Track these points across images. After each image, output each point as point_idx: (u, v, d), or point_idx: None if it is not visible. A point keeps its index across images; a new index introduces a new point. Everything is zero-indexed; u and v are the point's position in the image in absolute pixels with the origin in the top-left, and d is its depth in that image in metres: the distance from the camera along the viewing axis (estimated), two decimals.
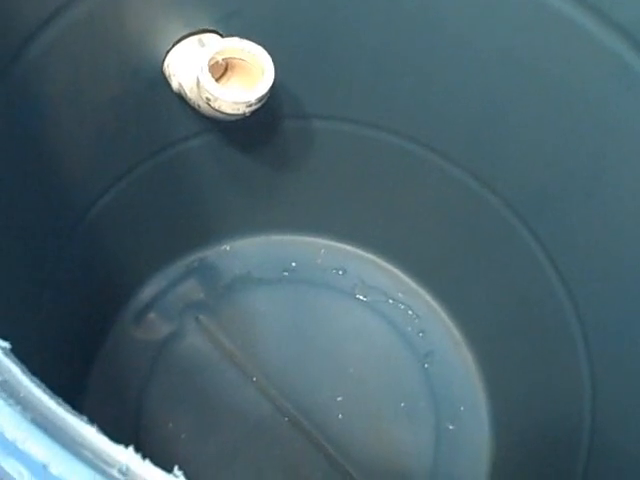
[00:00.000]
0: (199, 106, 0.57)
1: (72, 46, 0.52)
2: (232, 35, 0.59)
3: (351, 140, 0.73)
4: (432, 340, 0.83)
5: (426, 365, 0.81)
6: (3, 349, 0.23)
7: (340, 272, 0.85)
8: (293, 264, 0.85)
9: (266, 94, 0.54)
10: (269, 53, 0.58)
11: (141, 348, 0.78)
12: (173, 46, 0.58)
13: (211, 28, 0.59)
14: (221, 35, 0.59)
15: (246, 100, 0.53)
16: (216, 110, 0.55)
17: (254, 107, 0.54)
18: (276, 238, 0.85)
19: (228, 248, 0.84)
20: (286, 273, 0.84)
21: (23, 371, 0.23)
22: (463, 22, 0.58)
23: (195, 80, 0.55)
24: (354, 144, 0.74)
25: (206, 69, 0.53)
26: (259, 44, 0.59)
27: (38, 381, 0.23)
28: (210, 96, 0.53)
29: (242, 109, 0.54)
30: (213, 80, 0.53)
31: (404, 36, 0.62)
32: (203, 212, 0.79)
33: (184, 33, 0.58)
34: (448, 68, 0.62)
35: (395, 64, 0.64)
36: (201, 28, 0.58)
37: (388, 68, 0.65)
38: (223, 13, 0.58)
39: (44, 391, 0.22)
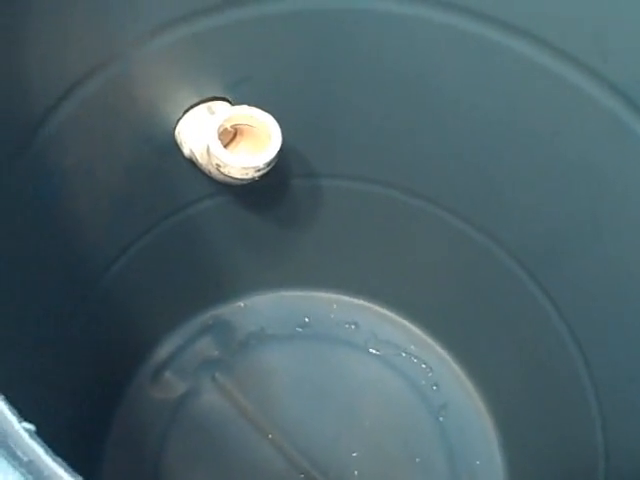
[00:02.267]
0: (210, 172, 0.59)
1: (86, 120, 0.54)
2: (241, 101, 0.61)
3: (358, 197, 0.75)
4: (446, 393, 0.83)
5: (441, 418, 0.82)
6: (29, 431, 0.24)
7: (353, 326, 0.86)
8: (306, 319, 0.86)
9: (274, 159, 0.56)
10: (276, 117, 0.60)
11: (158, 407, 0.79)
12: (184, 114, 0.60)
13: (220, 95, 0.61)
14: (230, 102, 0.62)
15: (254, 165, 0.55)
16: (226, 175, 0.56)
17: (262, 171, 0.56)
18: (289, 294, 0.86)
19: (242, 305, 0.86)
20: (299, 329, 0.85)
21: (47, 451, 0.24)
22: (461, 86, 0.60)
23: (205, 147, 0.57)
24: (361, 200, 0.75)
25: (215, 137, 0.55)
26: (266, 109, 0.61)
27: (61, 460, 0.24)
28: (220, 162, 0.55)
29: (251, 174, 0.56)
30: (222, 147, 0.55)
31: (404, 100, 0.63)
32: (217, 270, 0.81)
33: (194, 101, 0.60)
34: (448, 129, 0.64)
35: (397, 125, 0.66)
36: (210, 96, 0.60)
37: (391, 129, 0.67)
38: (231, 81, 0.60)
39: (66, 470, 0.24)
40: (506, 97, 0.59)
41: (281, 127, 0.58)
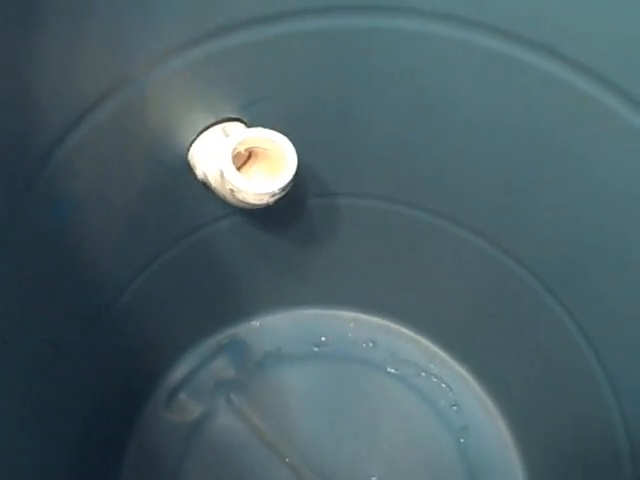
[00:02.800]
0: (224, 196, 0.57)
1: (98, 145, 0.53)
2: (255, 121, 0.60)
3: (375, 215, 0.73)
4: (466, 413, 0.81)
5: (462, 440, 0.80)
6: None
7: (370, 345, 0.85)
8: (323, 339, 0.84)
9: (289, 184, 0.54)
10: (291, 136, 0.58)
11: (173, 430, 0.78)
12: (197, 136, 0.59)
13: (235, 116, 0.59)
14: (245, 123, 0.60)
15: (269, 191, 0.54)
16: (240, 200, 0.55)
17: (277, 197, 0.55)
18: (305, 313, 0.85)
19: (258, 324, 0.84)
20: (316, 348, 0.84)
21: None
22: (477, 104, 0.58)
23: (219, 170, 0.55)
24: (378, 219, 0.74)
25: (229, 161, 0.54)
26: (281, 128, 0.59)
27: None
28: (234, 188, 0.54)
29: (266, 199, 0.55)
30: (236, 172, 0.54)
31: (421, 117, 0.62)
32: (232, 290, 0.79)
33: (208, 123, 0.59)
34: (465, 146, 0.62)
35: (413, 143, 0.64)
36: (225, 117, 0.59)
37: (407, 146, 0.65)
38: (246, 101, 0.59)
39: None
40: (524, 115, 0.57)
41: (296, 146, 0.57)
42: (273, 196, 0.55)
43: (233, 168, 0.54)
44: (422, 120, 0.62)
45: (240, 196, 0.55)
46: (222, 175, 0.55)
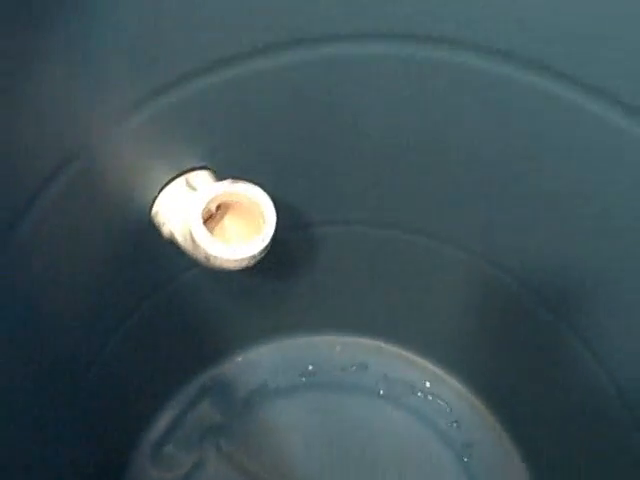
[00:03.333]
0: (196, 259, 0.51)
1: (56, 221, 0.47)
2: (222, 166, 0.54)
3: (354, 240, 0.69)
4: (468, 430, 0.78)
5: (465, 459, 0.76)
6: None
7: (360, 369, 0.80)
8: (310, 367, 0.80)
9: (270, 243, 0.49)
10: (262, 175, 0.53)
11: None
12: (160, 192, 0.53)
13: (198, 165, 0.53)
14: (210, 169, 0.54)
15: (250, 255, 0.48)
16: (216, 266, 0.49)
17: (258, 258, 0.49)
18: (289, 342, 0.80)
19: (241, 359, 0.79)
20: (304, 378, 0.79)
21: None
22: (453, 124, 0.53)
23: (188, 231, 0.50)
24: (360, 243, 0.69)
25: (201, 225, 0.48)
26: (250, 168, 0.54)
27: None
28: (209, 255, 0.48)
29: (245, 262, 0.49)
30: (210, 237, 0.48)
31: (401, 142, 0.57)
32: (210, 330, 0.74)
33: (170, 176, 0.53)
34: (452, 166, 0.58)
35: (393, 169, 0.59)
36: (188, 167, 0.53)
37: (386, 173, 0.60)
38: (210, 148, 0.53)
39: None
40: (523, 134, 0.52)
41: (269, 183, 0.51)
42: (253, 259, 0.49)
43: (206, 233, 0.48)
44: (397, 147, 0.57)
45: (217, 263, 0.49)
46: (193, 240, 0.49)
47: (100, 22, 0.40)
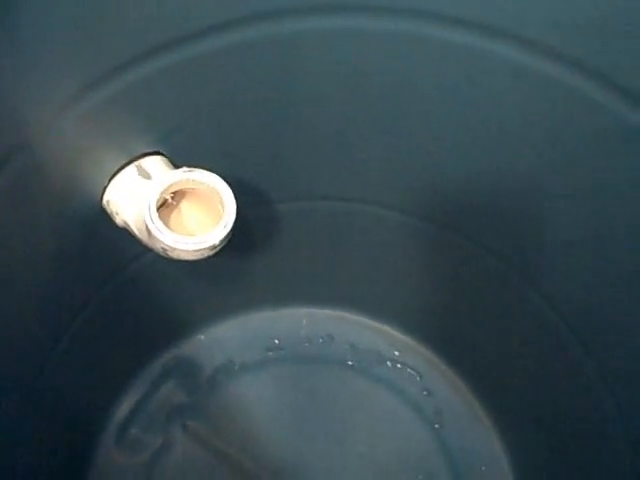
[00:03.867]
0: (152, 249, 0.49)
1: (2, 211, 0.44)
2: (175, 150, 0.51)
3: (318, 215, 0.67)
4: (438, 397, 0.77)
5: (437, 425, 0.76)
6: None
7: (328, 340, 0.78)
8: (276, 341, 0.78)
9: (230, 232, 0.46)
10: (218, 156, 0.50)
11: (129, 471, 0.71)
12: (110, 180, 0.50)
13: (151, 150, 0.50)
14: (162, 154, 0.51)
15: (210, 245, 0.46)
16: (174, 258, 0.47)
17: (218, 248, 0.46)
18: (253, 317, 0.78)
19: (203, 337, 0.77)
20: (270, 353, 0.77)
21: None
22: (431, 96, 0.51)
23: (142, 221, 0.47)
24: (321, 218, 0.67)
25: (156, 217, 0.45)
26: (206, 149, 0.51)
27: None
28: (166, 247, 0.46)
29: (206, 253, 0.46)
30: (167, 229, 0.45)
31: (368, 111, 0.54)
32: (171, 309, 0.72)
33: (120, 163, 0.50)
34: (428, 139, 0.55)
35: (349, 139, 0.57)
36: (140, 153, 0.50)
37: (342, 144, 0.58)
38: (162, 132, 0.50)
39: None
40: (496, 106, 0.50)
41: (225, 162, 0.50)
42: (214, 249, 0.46)
43: (162, 225, 0.45)
44: (363, 118, 0.55)
45: (175, 254, 0.46)
46: (149, 231, 0.46)
47: (36, 6, 0.37)
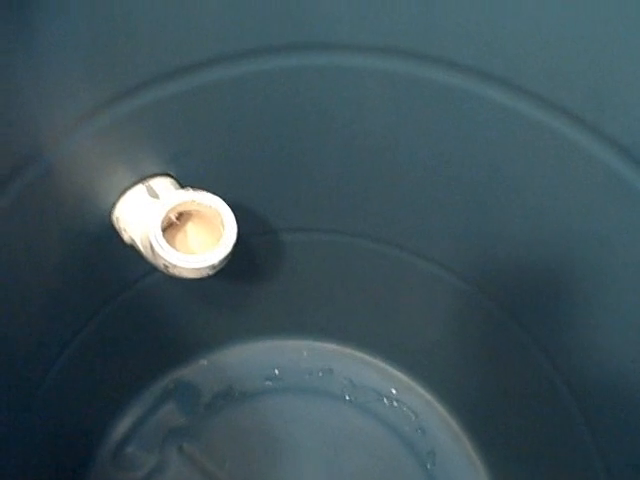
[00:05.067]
0: (156, 267, 0.51)
1: (7, 230, 0.46)
2: (183, 173, 0.54)
3: (323, 247, 0.68)
4: (432, 437, 0.78)
5: (429, 465, 0.76)
6: None
7: (327, 374, 0.80)
8: (276, 371, 0.79)
9: (230, 253, 0.48)
10: (224, 182, 0.52)
11: None
12: (119, 197, 0.52)
13: (160, 171, 0.53)
14: (171, 176, 0.53)
15: (209, 264, 0.48)
16: (175, 275, 0.49)
17: (218, 268, 0.48)
18: (255, 346, 0.80)
19: (206, 363, 0.79)
20: (269, 382, 0.79)
21: None
22: (423, 139, 0.53)
23: (148, 241, 0.49)
24: (326, 251, 0.69)
25: (160, 234, 0.48)
26: (213, 175, 0.54)
27: None
28: (167, 264, 0.48)
29: (206, 272, 0.48)
30: (170, 247, 0.47)
31: (365, 153, 0.56)
32: (174, 333, 0.73)
33: (131, 182, 0.52)
34: (410, 181, 0.58)
35: (357, 179, 0.59)
36: (149, 173, 0.52)
37: (350, 183, 0.60)
38: (171, 155, 0.52)
39: None
40: (492, 153, 0.52)
41: (231, 189, 0.52)
42: (213, 268, 0.48)
43: (165, 242, 0.47)
44: (367, 156, 0.57)
45: (176, 271, 0.48)
46: (153, 250, 0.48)
47: (55, 25, 0.39)
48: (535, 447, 0.71)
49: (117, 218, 0.53)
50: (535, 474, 0.72)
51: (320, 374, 0.79)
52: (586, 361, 0.61)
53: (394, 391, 0.79)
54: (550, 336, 0.63)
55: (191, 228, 0.53)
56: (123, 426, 0.74)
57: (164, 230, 0.48)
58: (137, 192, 0.52)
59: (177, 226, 0.53)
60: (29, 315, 0.53)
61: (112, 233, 0.54)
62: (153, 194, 0.52)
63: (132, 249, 0.54)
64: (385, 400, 0.78)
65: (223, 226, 0.49)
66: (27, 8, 0.37)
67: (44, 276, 0.53)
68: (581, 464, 0.65)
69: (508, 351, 0.68)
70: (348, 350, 0.80)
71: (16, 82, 0.39)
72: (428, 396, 0.78)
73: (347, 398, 0.78)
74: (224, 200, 0.49)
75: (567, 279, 0.57)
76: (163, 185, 0.53)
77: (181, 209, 0.49)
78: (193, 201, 0.49)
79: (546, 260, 0.57)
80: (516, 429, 0.72)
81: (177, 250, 0.48)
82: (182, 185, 0.53)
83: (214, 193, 0.49)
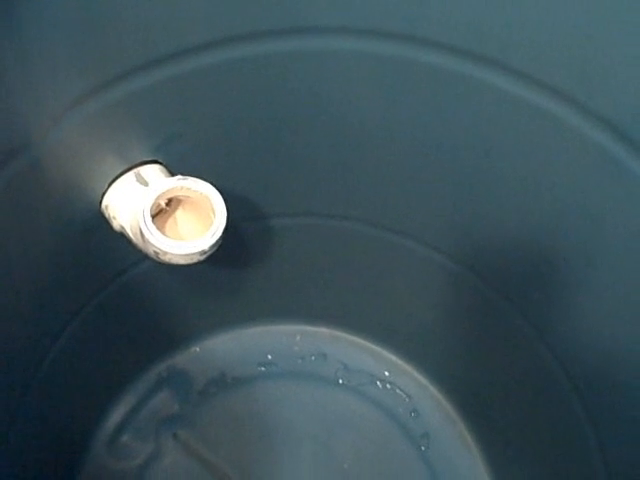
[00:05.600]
0: (146, 254, 0.51)
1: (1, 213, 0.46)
2: (172, 160, 0.53)
3: (314, 232, 0.68)
4: (426, 420, 0.78)
5: (423, 448, 0.76)
6: None
7: (319, 358, 0.80)
8: (269, 357, 0.79)
9: (220, 239, 0.48)
10: (213, 168, 0.52)
11: (119, 477, 0.72)
12: (109, 186, 0.52)
13: (149, 159, 0.52)
14: (160, 163, 0.53)
15: (199, 250, 0.47)
16: (166, 262, 0.48)
17: (209, 253, 0.48)
18: (248, 332, 0.80)
19: (198, 350, 0.79)
20: (262, 368, 0.79)
21: None
22: (416, 120, 0.53)
23: (138, 228, 0.49)
24: (317, 235, 0.69)
25: (150, 221, 0.47)
26: (201, 160, 0.53)
27: None
28: (158, 250, 0.47)
29: (196, 258, 0.48)
30: (159, 233, 0.47)
31: (354, 134, 0.56)
32: (166, 320, 0.73)
33: (120, 170, 0.52)
34: (401, 162, 0.57)
35: (345, 161, 0.59)
36: (138, 161, 0.52)
37: (339, 164, 0.60)
38: (160, 141, 0.52)
39: None
40: (481, 132, 0.52)
41: (219, 174, 0.51)
42: (204, 254, 0.48)
43: (155, 229, 0.47)
44: (358, 140, 0.56)
45: (166, 258, 0.48)
46: (143, 237, 0.48)
47: (42, 11, 0.39)
48: (530, 429, 0.71)
49: (106, 206, 0.53)
50: (531, 456, 0.72)
51: (313, 358, 0.80)
52: (579, 341, 0.61)
53: (387, 374, 0.79)
54: (543, 317, 0.63)
55: (181, 214, 0.53)
56: (117, 415, 0.74)
57: (154, 217, 0.48)
58: (126, 180, 0.52)
59: (167, 212, 0.53)
60: (21, 305, 0.53)
61: (102, 221, 0.53)
62: (142, 181, 0.52)
63: (122, 237, 0.54)
64: (379, 383, 0.79)
65: (213, 212, 0.49)
66: None
67: (35, 266, 0.52)
68: (578, 443, 0.65)
69: (501, 332, 0.68)
70: (341, 334, 0.80)
71: (2, 71, 0.39)
72: (421, 378, 0.79)
73: (340, 382, 0.79)
74: (214, 186, 0.49)
75: (559, 259, 0.57)
76: (152, 172, 0.53)
77: (170, 195, 0.49)
78: (182, 187, 0.49)
79: (538, 240, 0.57)
80: (510, 410, 0.73)
81: (167, 236, 0.47)
82: (171, 172, 0.53)
83: (204, 179, 0.49)
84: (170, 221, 0.52)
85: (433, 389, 0.78)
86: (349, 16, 0.47)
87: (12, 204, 0.46)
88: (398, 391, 0.78)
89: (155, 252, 0.48)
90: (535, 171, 0.52)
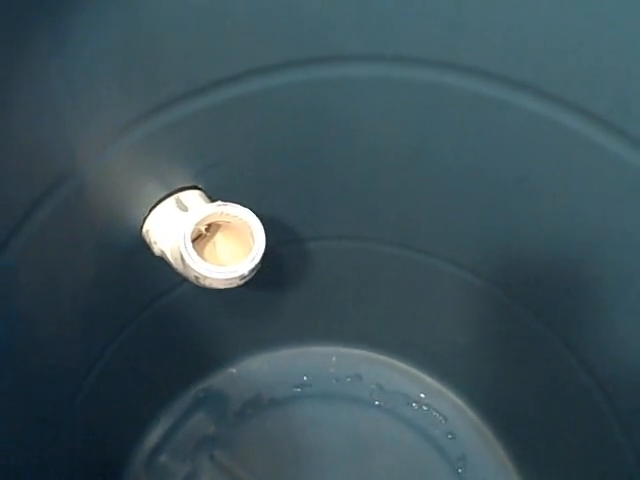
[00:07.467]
0: (186, 278, 0.51)
1: (43, 248, 0.47)
2: (212, 186, 0.54)
3: (350, 254, 0.69)
4: (463, 442, 0.78)
5: (460, 470, 0.76)
6: None
7: (355, 380, 0.80)
8: (305, 378, 0.80)
9: (259, 263, 0.49)
10: (252, 194, 0.53)
11: None
12: (150, 211, 0.53)
13: (189, 185, 0.53)
14: (200, 189, 0.54)
15: (239, 275, 0.48)
16: (206, 286, 0.49)
17: (248, 278, 0.49)
18: (283, 353, 0.80)
19: (234, 371, 0.79)
20: (298, 389, 0.79)
21: None
22: (450, 147, 0.53)
23: (178, 252, 0.50)
24: (353, 257, 0.69)
25: (190, 246, 0.48)
26: (240, 187, 0.54)
27: None
28: (198, 275, 0.48)
29: (235, 282, 0.49)
30: (199, 258, 0.48)
31: (391, 163, 0.57)
32: (203, 342, 0.74)
33: (160, 196, 0.53)
34: (437, 188, 0.58)
35: (382, 187, 0.59)
36: (178, 187, 0.53)
37: (376, 190, 0.60)
38: (199, 168, 0.53)
39: None
40: (520, 158, 0.52)
41: (259, 201, 0.52)
42: (243, 278, 0.49)
43: (195, 254, 0.48)
44: (391, 164, 0.57)
45: (207, 282, 0.49)
46: (183, 262, 0.49)
47: (90, 40, 0.40)
48: (568, 451, 0.71)
49: (147, 231, 0.54)
50: (568, 478, 0.71)
51: (349, 380, 0.80)
52: (616, 360, 0.61)
53: (423, 395, 0.79)
54: (579, 337, 0.63)
55: (220, 239, 0.54)
56: (155, 435, 0.75)
57: (193, 241, 0.49)
58: (167, 205, 0.53)
59: (206, 237, 0.54)
60: (65, 327, 0.54)
61: (143, 246, 0.54)
62: (182, 207, 0.53)
63: (162, 261, 0.55)
64: (414, 404, 0.79)
65: (252, 237, 0.49)
66: (63, 22, 0.37)
67: (79, 289, 0.53)
68: (617, 469, 0.65)
69: (535, 354, 0.68)
70: (376, 355, 0.81)
71: (51, 100, 0.40)
72: (457, 400, 0.78)
73: (376, 403, 0.79)
74: (252, 210, 0.50)
75: (592, 279, 0.57)
76: (192, 198, 0.53)
77: (210, 221, 0.50)
78: (222, 213, 0.49)
79: (573, 262, 0.57)
80: (548, 433, 0.72)
81: (206, 261, 0.48)
82: (210, 197, 0.54)
83: (242, 204, 0.50)
84: (209, 246, 0.53)
85: (469, 411, 0.78)
86: (382, 43, 0.47)
87: (59, 229, 0.47)
88: (434, 413, 0.78)
89: (195, 277, 0.49)
90: (571, 195, 0.52)
